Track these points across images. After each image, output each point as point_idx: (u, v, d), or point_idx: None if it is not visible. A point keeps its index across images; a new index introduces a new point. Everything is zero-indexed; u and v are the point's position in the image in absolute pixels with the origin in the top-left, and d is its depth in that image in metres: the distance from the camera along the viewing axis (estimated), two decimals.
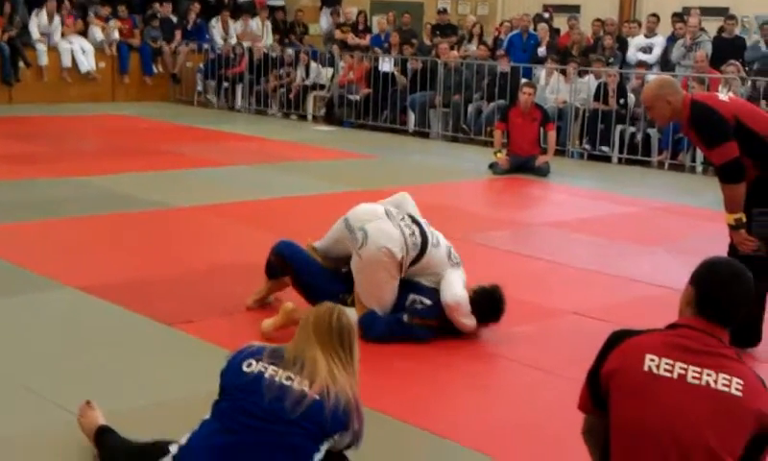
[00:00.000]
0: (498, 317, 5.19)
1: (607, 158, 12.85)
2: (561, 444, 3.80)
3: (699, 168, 11.99)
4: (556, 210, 9.56)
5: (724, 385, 2.67)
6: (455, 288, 5.09)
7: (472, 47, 16.04)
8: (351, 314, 4.95)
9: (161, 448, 3.11)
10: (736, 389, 2.66)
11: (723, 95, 5.20)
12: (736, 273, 2.82)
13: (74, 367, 4.51)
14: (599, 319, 5.51)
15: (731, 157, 4.73)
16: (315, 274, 5.27)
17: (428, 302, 5.11)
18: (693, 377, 2.69)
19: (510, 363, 4.99)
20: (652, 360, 2.73)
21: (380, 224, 5.03)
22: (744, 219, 4.83)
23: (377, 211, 5.14)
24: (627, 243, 7.71)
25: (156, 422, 3.70)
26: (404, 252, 5.01)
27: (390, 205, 5.32)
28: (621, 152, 12.80)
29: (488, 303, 5.14)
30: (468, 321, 5.11)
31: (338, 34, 18.11)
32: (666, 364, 2.72)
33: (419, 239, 5.09)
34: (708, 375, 2.68)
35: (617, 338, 2.85)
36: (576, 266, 6.93)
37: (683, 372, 2.70)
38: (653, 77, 5.81)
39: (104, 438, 3.43)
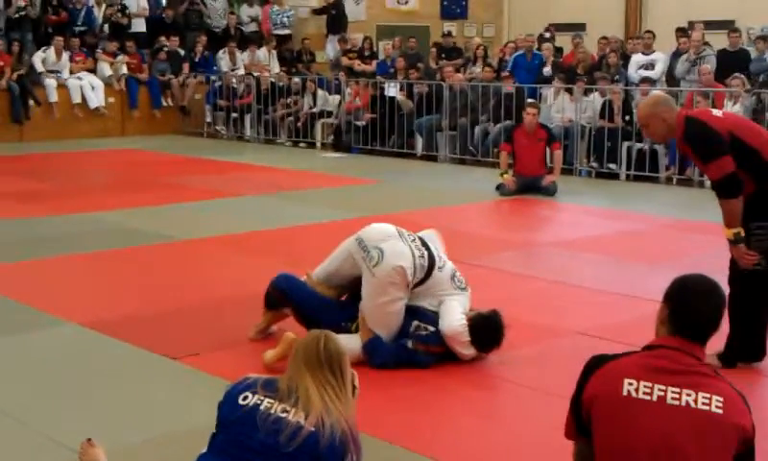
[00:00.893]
0: (498, 344, 5.17)
1: (615, 176, 12.85)
2: None
3: (707, 183, 11.95)
4: (563, 230, 9.55)
5: (704, 404, 2.66)
6: (452, 318, 5.09)
7: (477, 69, 16.08)
8: (347, 340, 5.01)
9: None
10: (717, 407, 2.66)
11: (717, 111, 5.20)
12: (708, 288, 2.82)
13: (76, 403, 4.54)
14: (604, 338, 5.49)
15: (727, 172, 4.72)
16: (315, 306, 5.29)
17: (432, 328, 5.12)
18: (672, 399, 2.68)
19: (512, 386, 4.99)
20: (630, 384, 2.73)
21: (395, 243, 5.06)
22: (743, 233, 4.82)
23: (390, 231, 5.17)
24: (634, 261, 7.69)
25: (159, 457, 3.72)
26: (413, 271, 5.03)
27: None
28: (629, 169, 12.79)
29: (485, 331, 5.13)
30: (467, 351, 5.11)
31: (344, 60, 18.20)
32: (645, 387, 2.71)
33: (426, 262, 5.12)
34: (688, 394, 2.68)
35: (595, 364, 2.84)
36: (582, 286, 6.92)
37: (662, 394, 2.69)
38: (654, 93, 5.82)
39: None
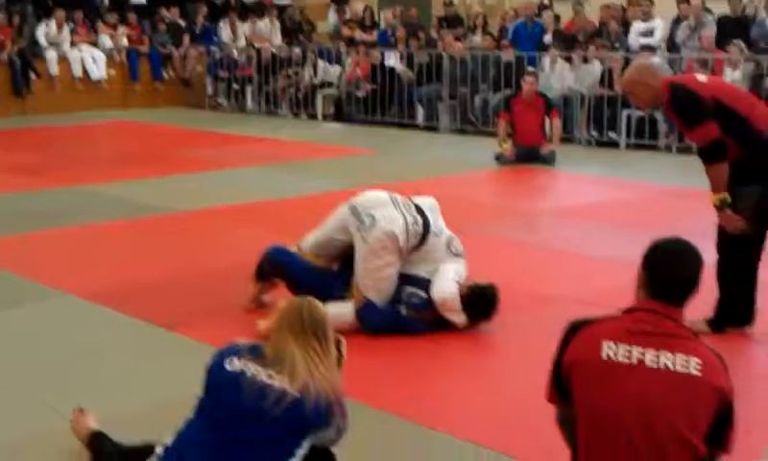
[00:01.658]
0: (489, 317, 5.22)
1: (615, 144, 12.84)
2: (554, 432, 3.83)
3: None
4: (561, 198, 9.58)
5: (682, 366, 2.70)
6: (443, 284, 5.13)
7: (477, 38, 16.05)
8: (340, 306, 5.05)
9: (149, 449, 3.17)
10: (695, 368, 2.69)
11: (701, 76, 5.21)
12: (682, 251, 2.85)
13: (71, 373, 4.61)
14: (599, 304, 5.48)
15: (711, 138, 4.74)
16: (309, 277, 5.31)
17: (424, 295, 5.16)
18: (651, 361, 2.72)
19: (505, 352, 5.04)
20: (609, 348, 2.76)
21: (387, 210, 5.11)
22: (729, 199, 4.84)
23: (383, 198, 5.22)
24: (632, 228, 7.70)
25: (152, 425, 3.75)
26: (406, 238, 5.07)
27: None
28: (629, 136, 12.78)
29: (479, 303, 5.18)
30: (457, 318, 5.15)
31: (345, 30, 18.14)
32: (624, 350, 2.75)
33: (420, 228, 5.16)
34: (667, 357, 2.71)
35: (575, 328, 2.88)
36: (579, 253, 6.96)
37: (641, 356, 2.73)
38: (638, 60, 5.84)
39: (96, 443, 3.51)
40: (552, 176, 10.78)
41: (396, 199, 5.23)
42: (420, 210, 5.25)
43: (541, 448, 3.61)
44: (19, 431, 3.95)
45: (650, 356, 2.72)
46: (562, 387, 2.87)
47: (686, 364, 2.70)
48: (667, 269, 2.81)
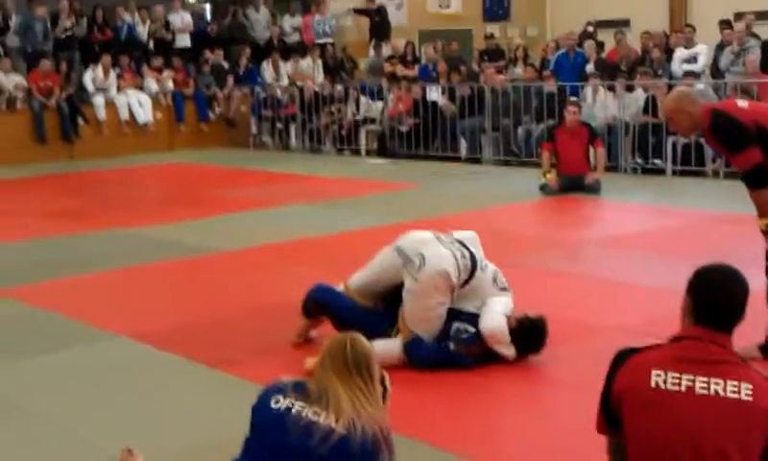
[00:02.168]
0: (539, 349, 5.19)
1: (661, 171, 12.75)
2: None
3: None
4: (607, 227, 9.51)
5: (733, 392, 2.67)
6: (493, 318, 5.11)
7: (518, 70, 16.05)
8: (387, 343, 5.04)
9: None
10: (746, 394, 2.66)
11: (742, 102, 5.17)
12: (728, 276, 2.83)
13: (119, 414, 4.65)
14: (647, 334, 5.44)
15: (754, 163, 4.72)
16: (354, 316, 5.27)
17: (472, 330, 5.14)
18: (701, 388, 2.69)
19: (554, 384, 4.99)
20: (658, 375, 2.74)
21: (436, 248, 5.10)
22: None
23: (428, 237, 5.22)
24: (679, 256, 7.61)
25: None
26: (457, 274, 5.05)
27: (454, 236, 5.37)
28: (675, 163, 12.67)
29: (529, 335, 5.15)
30: (507, 351, 5.11)
31: (387, 66, 18.24)
32: (673, 378, 2.73)
33: (469, 262, 5.15)
34: (716, 384, 2.69)
35: (622, 357, 2.86)
36: (626, 282, 6.90)
37: (690, 384, 2.71)
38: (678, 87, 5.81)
39: None
40: (597, 205, 10.72)
41: (440, 236, 5.23)
42: (463, 245, 5.24)
43: None
44: None
45: (700, 383, 2.70)
46: (611, 417, 2.84)
47: (737, 389, 2.67)
48: (712, 295, 2.79)
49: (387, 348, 5.01)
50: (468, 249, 5.22)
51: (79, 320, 6.32)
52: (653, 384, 2.74)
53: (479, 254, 5.34)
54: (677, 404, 2.69)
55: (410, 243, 5.20)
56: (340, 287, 5.54)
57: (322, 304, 5.46)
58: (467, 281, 5.15)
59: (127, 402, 4.82)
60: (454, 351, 5.10)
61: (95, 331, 6.05)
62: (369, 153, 16.49)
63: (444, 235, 5.28)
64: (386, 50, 18.98)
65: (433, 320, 5.08)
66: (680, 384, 2.71)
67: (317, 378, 3.12)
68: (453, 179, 13.11)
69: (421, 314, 5.08)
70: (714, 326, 2.77)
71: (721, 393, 2.67)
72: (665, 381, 2.73)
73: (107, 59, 17.38)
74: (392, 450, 3.12)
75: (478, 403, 4.74)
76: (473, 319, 5.17)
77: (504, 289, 5.33)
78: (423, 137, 15.37)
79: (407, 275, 5.09)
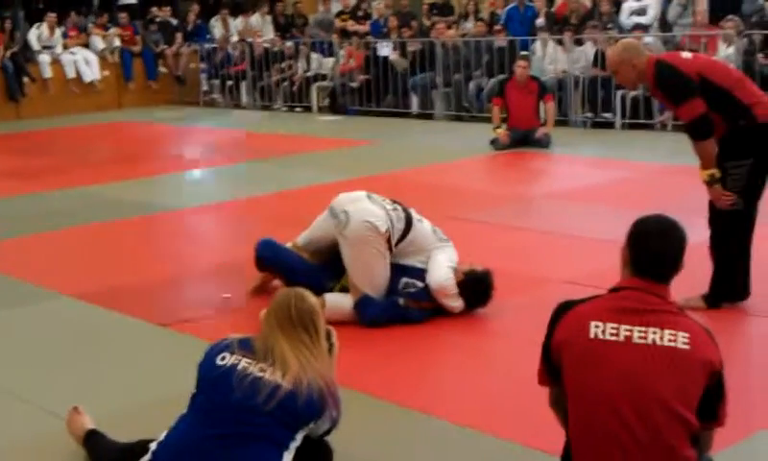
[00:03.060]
0: (485, 302, 5.23)
1: (610, 125, 12.83)
2: (551, 414, 3.83)
3: None
4: (556, 181, 9.58)
5: (670, 341, 2.70)
6: (439, 271, 5.14)
7: (469, 25, 16.03)
8: (338, 298, 5.07)
9: (143, 446, 3.18)
10: (683, 343, 2.69)
11: (686, 53, 5.20)
12: (666, 228, 2.85)
13: (67, 373, 4.62)
14: (592, 286, 5.49)
15: (697, 114, 4.75)
16: (298, 270, 5.34)
17: (420, 284, 5.16)
18: (639, 338, 2.72)
19: (501, 336, 5.05)
20: (597, 326, 2.77)
21: (361, 204, 5.15)
22: (718, 175, 4.85)
23: (358, 196, 5.26)
24: (627, 208, 7.63)
25: (146, 421, 3.77)
26: (389, 225, 5.08)
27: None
28: (624, 117, 12.76)
29: (476, 288, 5.18)
30: (455, 303, 5.15)
31: (338, 22, 18.12)
32: (611, 328, 2.75)
33: (402, 213, 5.19)
34: (654, 333, 2.72)
35: (562, 309, 2.88)
36: (573, 235, 6.96)
37: (628, 333, 2.73)
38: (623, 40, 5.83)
39: (91, 441, 3.52)
40: (547, 159, 10.78)
41: (372, 195, 5.27)
42: (396, 202, 5.29)
43: (538, 429, 3.61)
44: (14, 432, 3.96)
45: (637, 333, 2.73)
46: (553, 369, 2.87)
47: (674, 338, 2.70)
48: (650, 246, 2.81)
49: (338, 303, 5.04)
50: (400, 204, 5.26)
51: (23, 280, 6.25)
52: (591, 335, 2.76)
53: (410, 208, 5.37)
54: (615, 354, 2.72)
55: (339, 201, 5.24)
56: (288, 244, 5.55)
57: (266, 259, 5.50)
58: (404, 234, 5.17)
59: (74, 361, 4.79)
60: (404, 305, 5.13)
61: (41, 291, 5.99)
62: (320, 109, 16.41)
63: (378, 195, 5.30)
64: (336, 6, 18.83)
65: (374, 273, 5.10)
66: (618, 334, 2.74)
67: (263, 335, 3.14)
68: (405, 134, 13.09)
69: (361, 270, 5.10)
70: (652, 276, 2.80)
71: (658, 342, 2.70)
72: (604, 332, 2.75)
73: (51, 17, 17.11)
74: (338, 405, 3.15)
75: (427, 356, 4.78)
76: (420, 274, 5.20)
77: (444, 240, 5.36)
78: (375, 93, 15.33)
79: (337, 234, 5.15)
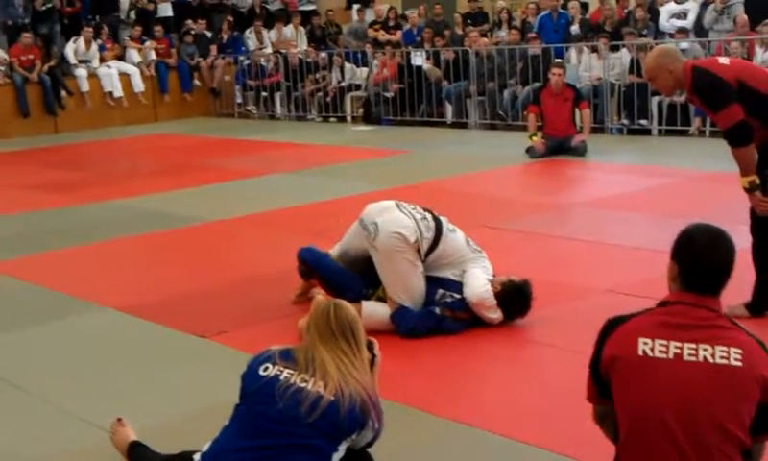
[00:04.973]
0: (524, 313, 5.19)
1: (646, 132, 12.75)
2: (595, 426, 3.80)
3: None
4: (592, 189, 9.52)
5: (722, 357, 2.62)
6: (476, 284, 5.11)
7: (503, 33, 16.00)
8: (376, 307, 5.07)
9: (187, 458, 3.19)
10: (735, 359, 2.61)
11: (723, 59, 5.14)
12: (713, 239, 2.75)
13: (108, 385, 4.65)
14: (635, 295, 5.46)
15: (736, 121, 4.68)
16: (338, 277, 5.38)
17: (457, 295, 5.14)
18: (689, 355, 2.65)
19: (541, 346, 5.01)
20: (645, 343, 2.69)
21: (390, 214, 5.13)
22: (758, 181, 4.79)
23: (387, 205, 5.24)
24: (666, 216, 7.63)
25: (190, 433, 3.78)
26: (418, 235, 5.06)
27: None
28: (660, 123, 12.68)
29: (514, 299, 5.15)
30: (494, 315, 5.12)
31: (370, 32, 18.17)
32: (660, 345, 2.68)
33: (432, 223, 5.16)
34: (705, 349, 2.64)
35: (611, 326, 2.81)
36: (612, 243, 6.91)
37: (678, 351, 2.66)
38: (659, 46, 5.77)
39: (135, 453, 3.53)
40: (583, 167, 10.72)
41: (400, 204, 5.25)
42: (427, 210, 5.27)
43: (582, 441, 3.58)
44: (58, 445, 3.98)
45: (688, 350, 2.65)
46: (602, 386, 2.81)
47: (726, 355, 2.62)
48: (698, 259, 2.72)
49: (375, 311, 5.05)
50: (431, 212, 5.24)
51: (65, 293, 6.30)
52: (640, 352, 2.69)
53: (442, 218, 5.35)
54: (664, 372, 2.65)
55: (369, 212, 5.24)
56: (327, 251, 5.60)
57: (307, 263, 5.55)
58: (434, 244, 5.14)
59: (116, 373, 4.82)
60: (440, 315, 5.11)
61: (82, 304, 6.03)
62: (354, 119, 16.45)
63: (408, 204, 5.29)
64: (370, 15, 18.88)
65: (409, 286, 5.09)
66: (667, 351, 2.67)
67: (304, 346, 3.14)
68: (440, 143, 13.08)
69: (395, 281, 5.10)
70: (701, 290, 2.71)
71: (710, 359, 2.63)
72: (652, 349, 2.68)
73: (88, 31, 17.29)
74: (380, 415, 3.14)
75: (467, 367, 4.75)
76: (457, 287, 5.17)
77: (477, 251, 5.33)
78: (409, 103, 15.34)
79: (369, 246, 5.15)
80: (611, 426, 2.86)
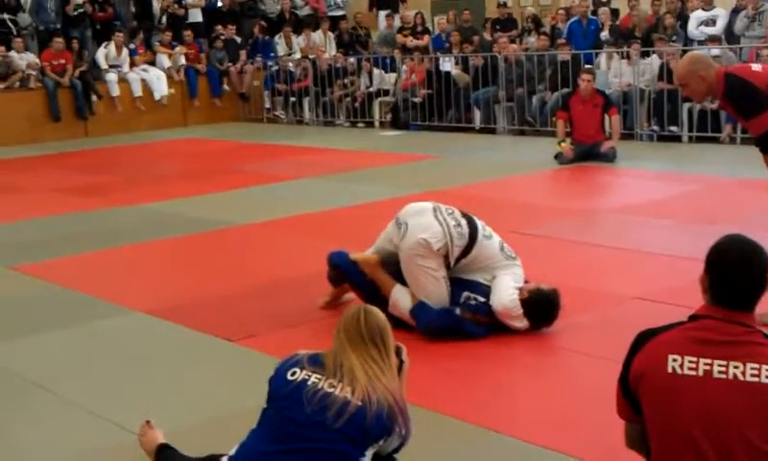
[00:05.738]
0: (551, 322, 5.15)
1: (677, 138, 12.67)
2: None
3: None
4: (622, 195, 9.46)
5: (753, 375, 2.55)
6: (504, 293, 5.07)
7: (532, 39, 15.96)
8: (401, 293, 5.10)
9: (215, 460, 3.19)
10: (767, 377, 2.55)
11: (756, 66, 5.10)
12: (747, 252, 2.66)
13: (137, 388, 4.67)
14: (663, 302, 5.42)
15: None
16: (367, 281, 5.37)
17: (482, 299, 5.11)
18: (719, 372, 2.58)
19: (570, 354, 4.97)
20: (675, 360, 2.63)
21: (422, 219, 5.09)
22: None
23: (424, 208, 5.20)
24: (695, 223, 7.58)
25: (216, 436, 3.80)
26: (447, 241, 5.01)
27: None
28: (691, 130, 12.59)
29: (541, 308, 5.10)
30: (519, 324, 5.08)
31: (398, 37, 18.19)
32: (690, 362, 2.61)
33: (465, 230, 5.10)
34: (735, 367, 2.57)
35: (640, 340, 2.74)
36: (642, 250, 6.85)
37: (707, 368, 2.59)
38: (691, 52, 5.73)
39: (163, 455, 3.54)
40: (613, 173, 10.66)
41: (439, 207, 5.19)
42: (465, 215, 5.22)
43: (610, 449, 3.55)
44: (87, 446, 4.00)
45: (718, 367, 2.59)
46: (633, 401, 2.75)
47: (757, 372, 2.55)
48: (729, 274, 2.64)
49: (399, 301, 5.12)
50: (468, 217, 5.18)
51: (95, 296, 6.33)
52: (669, 370, 2.63)
53: (485, 225, 5.30)
54: (694, 389, 2.59)
55: (405, 211, 5.22)
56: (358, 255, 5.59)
57: (337, 267, 5.54)
58: (466, 251, 5.11)
59: (144, 376, 4.83)
60: (460, 315, 5.06)
61: (110, 306, 6.06)
62: (382, 124, 16.46)
63: (445, 207, 5.24)
64: (397, 21, 18.90)
65: (426, 288, 5.06)
66: (697, 368, 2.60)
67: (332, 351, 3.13)
68: (468, 149, 13.05)
69: (414, 283, 5.10)
70: (734, 305, 2.64)
71: (740, 377, 2.56)
72: (682, 366, 2.62)
73: (119, 36, 17.42)
74: (407, 422, 3.12)
75: (494, 373, 4.72)
76: (484, 289, 5.14)
77: (512, 257, 5.29)
78: (437, 108, 15.33)
79: (396, 244, 5.15)
80: (643, 448, 2.78)
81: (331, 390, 3.04)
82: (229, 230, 8.30)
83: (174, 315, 5.75)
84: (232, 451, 3.14)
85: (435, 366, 4.71)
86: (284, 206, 9.15)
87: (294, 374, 3.13)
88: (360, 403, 3.00)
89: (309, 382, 3.07)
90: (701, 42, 13.42)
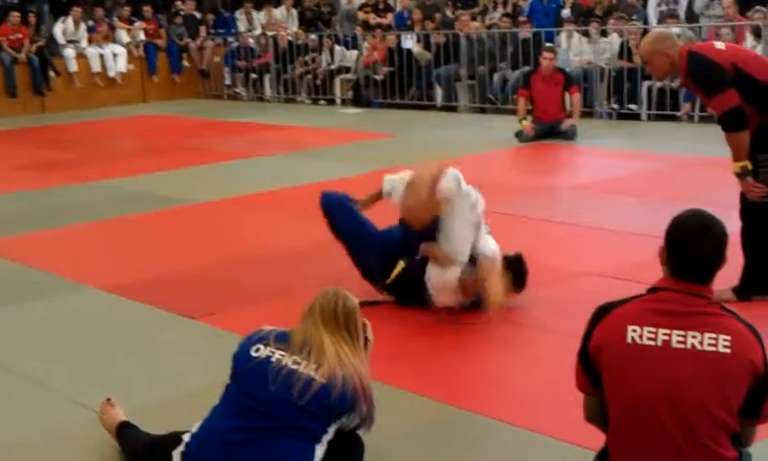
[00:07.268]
0: (521, 287, 5.20)
1: (636, 116, 12.76)
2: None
3: None
4: (582, 173, 9.53)
5: (710, 345, 2.60)
6: (492, 243, 5.12)
7: (497, 14, 15.97)
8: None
9: (176, 438, 3.17)
10: (724, 346, 2.59)
11: (719, 44, 5.13)
12: (704, 225, 2.71)
13: (97, 366, 4.63)
14: (624, 279, 5.48)
15: (731, 106, 4.68)
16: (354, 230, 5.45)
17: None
18: (678, 342, 2.63)
19: (530, 330, 5.00)
20: (634, 331, 2.67)
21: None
22: (750, 166, 4.80)
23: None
24: (656, 200, 7.64)
25: (177, 413, 3.79)
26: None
27: None
28: (650, 108, 12.69)
29: (512, 271, 5.15)
30: (498, 282, 5.03)
31: (360, 14, 18.11)
32: (649, 332, 2.65)
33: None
34: (693, 336, 2.62)
35: (599, 314, 2.78)
36: (601, 227, 6.91)
37: (666, 338, 2.64)
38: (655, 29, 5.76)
39: (124, 433, 3.52)
40: (573, 151, 10.73)
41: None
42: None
43: (572, 424, 3.57)
44: (45, 425, 3.96)
45: (676, 337, 2.63)
46: (593, 375, 2.78)
47: (715, 342, 2.60)
48: (687, 246, 2.69)
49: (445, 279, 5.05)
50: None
51: (53, 272, 6.27)
52: (629, 340, 2.67)
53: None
54: (652, 360, 2.63)
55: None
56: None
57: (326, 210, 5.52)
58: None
59: (104, 354, 4.80)
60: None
61: (69, 284, 6.01)
62: (344, 102, 16.41)
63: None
64: None
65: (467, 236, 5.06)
66: (655, 339, 2.65)
67: (302, 329, 3.14)
68: (429, 126, 13.06)
69: (464, 243, 5.05)
70: (693, 277, 2.68)
71: (698, 346, 2.61)
72: (641, 336, 2.66)
73: (77, 10, 17.18)
74: (370, 403, 3.13)
75: (460, 348, 4.74)
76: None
77: (489, 234, 5.32)
78: (399, 86, 15.30)
79: (465, 206, 5.03)
80: (602, 422, 2.83)
81: (295, 367, 3.04)
82: (190, 208, 8.25)
83: (135, 293, 5.71)
84: (195, 428, 3.13)
85: (398, 341, 4.72)
86: (245, 184, 9.10)
87: (258, 350, 3.13)
88: (325, 381, 3.01)
89: (273, 359, 3.07)
90: (659, 21, 13.50)
